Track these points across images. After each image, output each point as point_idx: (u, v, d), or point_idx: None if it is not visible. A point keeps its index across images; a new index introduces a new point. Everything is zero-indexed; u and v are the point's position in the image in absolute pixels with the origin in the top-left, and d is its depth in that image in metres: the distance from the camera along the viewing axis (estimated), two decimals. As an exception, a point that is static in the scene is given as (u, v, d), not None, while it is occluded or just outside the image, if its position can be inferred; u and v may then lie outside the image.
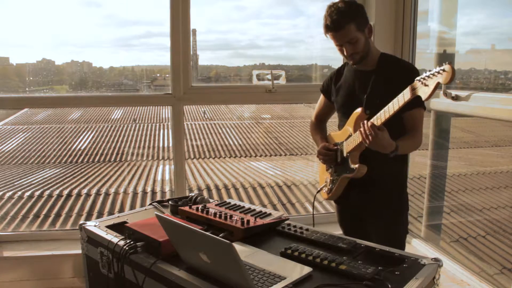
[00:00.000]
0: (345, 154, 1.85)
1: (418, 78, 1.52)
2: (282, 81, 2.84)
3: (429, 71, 1.48)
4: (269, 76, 2.80)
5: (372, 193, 1.86)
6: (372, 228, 1.92)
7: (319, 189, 2.03)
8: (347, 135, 1.84)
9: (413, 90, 1.53)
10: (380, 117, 1.64)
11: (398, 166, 1.86)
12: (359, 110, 1.78)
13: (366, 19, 1.79)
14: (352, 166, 1.81)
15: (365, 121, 1.65)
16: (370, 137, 1.61)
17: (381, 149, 1.66)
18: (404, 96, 1.56)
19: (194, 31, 2.73)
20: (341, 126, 1.95)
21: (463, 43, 2.66)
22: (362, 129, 1.65)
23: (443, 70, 1.44)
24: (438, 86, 1.47)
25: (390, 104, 1.61)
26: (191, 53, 2.65)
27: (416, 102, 1.65)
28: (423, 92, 1.50)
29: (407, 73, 1.71)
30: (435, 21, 2.74)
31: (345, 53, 1.79)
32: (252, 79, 2.88)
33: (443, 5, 2.71)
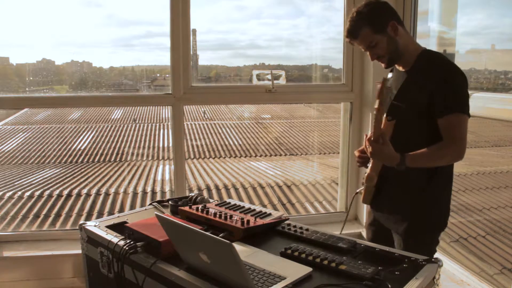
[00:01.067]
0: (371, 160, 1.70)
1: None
2: (282, 81, 2.84)
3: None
4: (269, 76, 2.80)
5: (393, 204, 1.70)
6: (394, 239, 1.76)
7: (357, 191, 1.89)
8: None
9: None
10: (376, 131, 1.54)
11: (427, 180, 1.63)
12: (384, 116, 1.61)
13: (386, 18, 1.61)
14: (365, 173, 1.70)
15: (367, 134, 1.60)
16: (372, 151, 1.55)
17: (384, 162, 1.58)
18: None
19: (194, 31, 2.73)
20: None
21: (463, 43, 2.66)
22: (366, 142, 1.58)
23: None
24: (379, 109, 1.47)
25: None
26: (191, 53, 2.65)
27: (450, 106, 1.50)
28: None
29: (441, 75, 1.53)
30: (435, 21, 2.74)
31: (371, 58, 1.68)
32: (252, 79, 2.88)
33: (443, 5, 2.71)
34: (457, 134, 1.53)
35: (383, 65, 1.69)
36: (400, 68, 1.69)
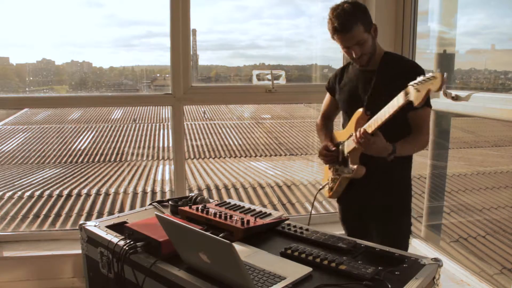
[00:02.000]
0: (345, 154, 1.85)
1: (411, 83, 1.50)
2: (282, 81, 2.84)
3: (423, 76, 1.48)
4: (269, 76, 2.80)
5: (374, 194, 1.85)
6: (373, 229, 1.91)
7: (321, 186, 2.04)
8: (349, 135, 1.82)
9: (406, 95, 1.52)
10: (373, 124, 1.63)
11: (401, 167, 1.84)
12: (360, 110, 1.77)
13: (371, 19, 1.77)
14: (351, 166, 1.81)
15: (360, 128, 1.65)
16: (362, 143, 1.63)
17: (376, 154, 1.66)
18: (398, 100, 1.55)
19: (194, 31, 2.73)
20: (344, 125, 1.94)
21: (463, 43, 2.66)
22: (354, 135, 1.66)
23: (433, 77, 1.44)
24: (429, 92, 1.47)
25: (384, 110, 1.60)
26: (191, 53, 2.65)
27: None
28: (415, 97, 1.49)
29: (409, 72, 1.66)
30: (435, 21, 2.74)
31: (353, 55, 1.76)
32: (252, 79, 2.88)
33: (443, 5, 2.71)
34: (424, 126, 1.77)
35: (359, 63, 1.80)
36: (369, 67, 1.81)
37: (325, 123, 2.10)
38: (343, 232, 2.06)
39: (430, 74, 1.45)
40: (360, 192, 1.87)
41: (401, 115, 1.66)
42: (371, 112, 1.71)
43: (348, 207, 2.02)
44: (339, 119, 2.12)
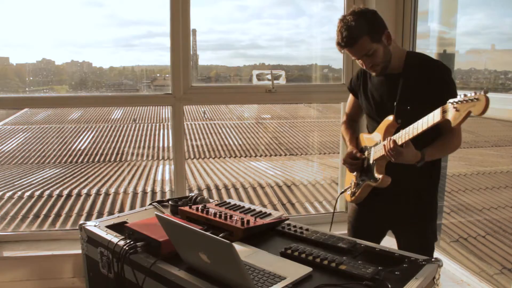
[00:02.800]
0: (371, 161, 1.79)
1: (451, 101, 1.41)
2: (282, 81, 2.84)
3: (464, 95, 1.37)
4: (269, 76, 2.80)
5: (401, 204, 1.78)
6: (401, 237, 1.86)
7: (343, 190, 1.98)
8: (376, 142, 1.76)
9: (444, 113, 1.43)
10: (403, 137, 1.58)
11: (428, 176, 1.77)
12: (390, 118, 1.69)
13: (382, 27, 1.68)
14: (376, 175, 1.75)
15: (389, 138, 1.61)
16: (392, 155, 1.59)
17: (405, 162, 1.62)
18: (434, 118, 1.47)
19: (194, 31, 2.73)
20: (370, 129, 1.88)
21: (463, 43, 2.66)
22: (385, 146, 1.61)
23: (476, 99, 1.32)
24: (469, 114, 1.36)
25: (417, 124, 1.53)
26: (191, 53, 2.65)
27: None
28: (453, 117, 1.39)
29: (437, 73, 1.63)
30: (435, 21, 2.74)
31: (365, 67, 1.72)
32: (252, 79, 2.88)
33: (443, 5, 2.71)
34: (455, 128, 1.60)
35: (374, 73, 1.74)
36: (393, 71, 1.72)
37: (350, 125, 2.04)
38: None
39: (473, 94, 1.34)
40: (387, 202, 1.79)
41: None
42: (401, 119, 1.66)
43: (369, 213, 1.91)
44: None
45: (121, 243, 1.56)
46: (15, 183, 5.52)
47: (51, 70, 3.67)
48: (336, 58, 3.06)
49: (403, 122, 1.63)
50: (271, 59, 3.38)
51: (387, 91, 1.75)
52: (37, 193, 4.83)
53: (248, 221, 1.66)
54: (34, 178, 5.80)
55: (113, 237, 1.64)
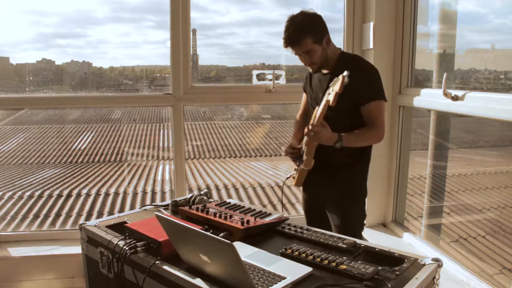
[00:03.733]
0: (303, 148, 1.99)
1: (329, 84, 1.69)
2: (282, 81, 2.84)
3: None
4: (269, 76, 2.81)
5: (333, 183, 2.00)
6: (331, 213, 2.05)
7: (288, 176, 2.17)
8: None
9: (328, 95, 1.70)
10: (315, 117, 1.81)
11: (356, 158, 1.97)
12: (316, 108, 1.90)
13: (324, 31, 1.89)
14: (304, 157, 1.93)
15: (308, 125, 1.81)
16: (309, 134, 1.79)
17: (325, 143, 1.81)
18: (324, 100, 1.73)
19: (194, 31, 2.73)
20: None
21: (463, 43, 2.66)
22: (304, 130, 1.81)
23: (337, 79, 1.62)
24: (337, 94, 1.64)
25: (319, 106, 1.78)
26: (191, 53, 2.65)
27: (373, 95, 1.85)
28: (331, 97, 1.66)
29: (360, 73, 1.82)
30: (435, 21, 2.74)
31: (303, 63, 1.92)
32: (252, 79, 2.88)
33: (443, 4, 2.71)
34: (377, 119, 1.87)
35: (311, 70, 1.98)
36: (324, 71, 1.97)
37: (301, 121, 2.23)
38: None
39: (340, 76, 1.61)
40: (321, 183, 2.03)
41: (355, 110, 1.86)
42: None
43: (312, 197, 2.16)
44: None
45: (121, 243, 1.57)
46: (15, 183, 5.52)
47: (51, 70, 3.67)
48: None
49: (330, 114, 1.81)
50: (271, 59, 3.38)
51: (320, 86, 1.98)
52: (37, 193, 4.83)
53: (248, 221, 1.66)
54: (34, 178, 5.80)
55: (113, 237, 1.64)
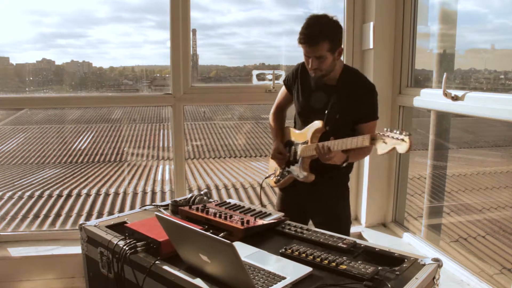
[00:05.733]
0: (298, 157, 2.01)
1: (381, 132, 1.62)
2: (282, 81, 2.84)
3: (393, 132, 1.56)
4: (269, 76, 2.81)
5: (321, 189, 2.02)
6: (315, 214, 2.09)
7: (267, 175, 2.20)
8: (304, 140, 1.98)
9: (372, 140, 1.64)
10: (336, 146, 1.79)
11: (346, 167, 1.97)
12: (319, 124, 1.92)
13: (340, 42, 1.86)
14: (303, 172, 1.97)
15: (324, 144, 1.80)
16: (325, 158, 1.80)
17: (335, 163, 1.85)
18: (364, 142, 1.68)
19: (194, 31, 2.73)
20: (298, 125, 2.09)
21: (463, 43, 2.66)
22: (319, 149, 1.81)
23: (403, 141, 1.52)
24: (394, 149, 1.56)
25: (348, 141, 1.75)
26: (191, 53, 2.65)
27: (374, 115, 1.92)
28: (380, 147, 1.61)
29: (365, 93, 1.90)
30: (435, 21, 2.74)
31: (310, 65, 1.87)
32: (252, 79, 2.88)
33: (443, 4, 2.71)
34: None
35: (313, 75, 1.90)
36: (328, 82, 1.93)
37: (279, 115, 2.22)
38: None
39: (403, 135, 1.52)
40: (309, 188, 2.03)
41: (353, 124, 1.91)
42: (329, 126, 1.91)
43: (292, 196, 2.14)
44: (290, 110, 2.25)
45: (121, 243, 1.56)
46: (15, 183, 5.52)
47: (51, 70, 3.68)
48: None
49: (330, 128, 1.89)
50: (271, 59, 3.38)
51: (320, 97, 1.95)
52: (37, 193, 4.83)
53: (248, 221, 1.66)
54: (34, 178, 5.80)
55: (113, 237, 1.64)
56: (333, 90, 1.92)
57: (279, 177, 2.13)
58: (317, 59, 1.83)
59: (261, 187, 2.40)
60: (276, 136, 2.17)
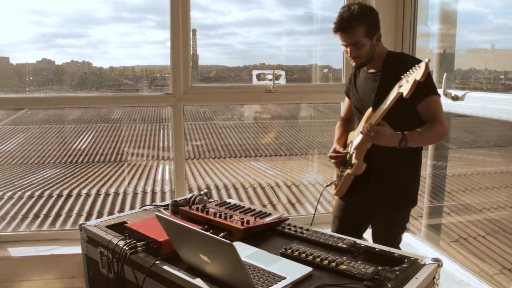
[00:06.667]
0: (351, 151, 1.89)
1: (403, 75, 1.57)
2: (282, 81, 2.84)
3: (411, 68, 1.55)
4: (269, 76, 2.81)
5: (379, 193, 1.88)
6: (373, 226, 1.98)
7: (329, 183, 2.07)
8: (358, 133, 1.86)
9: (400, 87, 1.58)
10: (375, 116, 1.70)
11: (407, 166, 1.87)
12: (369, 110, 1.81)
13: (377, 27, 1.80)
14: (353, 161, 1.85)
15: (366, 124, 1.69)
16: (370, 136, 1.66)
17: (386, 143, 1.68)
18: (393, 92, 1.61)
19: (194, 31, 2.73)
20: (356, 124, 2.00)
21: (463, 43, 2.66)
22: (362, 130, 1.69)
23: (419, 67, 1.51)
24: (416, 82, 1.51)
25: (382, 105, 1.66)
26: (191, 53, 2.65)
27: (426, 91, 1.70)
28: (405, 88, 1.54)
29: (408, 67, 1.70)
30: (435, 21, 2.74)
31: (349, 54, 1.82)
32: (252, 79, 2.88)
33: (443, 4, 2.71)
34: (437, 114, 1.75)
35: (354, 64, 1.85)
36: (370, 70, 1.88)
37: (344, 124, 2.14)
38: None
39: (417, 65, 1.53)
40: (366, 190, 1.89)
41: (411, 110, 1.74)
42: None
43: (351, 206, 2.01)
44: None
45: (121, 243, 1.57)
46: (15, 183, 5.52)
47: (51, 70, 3.67)
48: (336, 58, 3.06)
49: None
50: (271, 59, 3.38)
51: (369, 87, 1.87)
52: (37, 193, 4.83)
53: (248, 221, 1.66)
54: (34, 178, 5.80)
55: (113, 237, 1.64)
56: (378, 75, 1.84)
57: (337, 181, 1.99)
58: (355, 46, 1.77)
59: (320, 195, 2.29)
60: (337, 140, 2.06)
